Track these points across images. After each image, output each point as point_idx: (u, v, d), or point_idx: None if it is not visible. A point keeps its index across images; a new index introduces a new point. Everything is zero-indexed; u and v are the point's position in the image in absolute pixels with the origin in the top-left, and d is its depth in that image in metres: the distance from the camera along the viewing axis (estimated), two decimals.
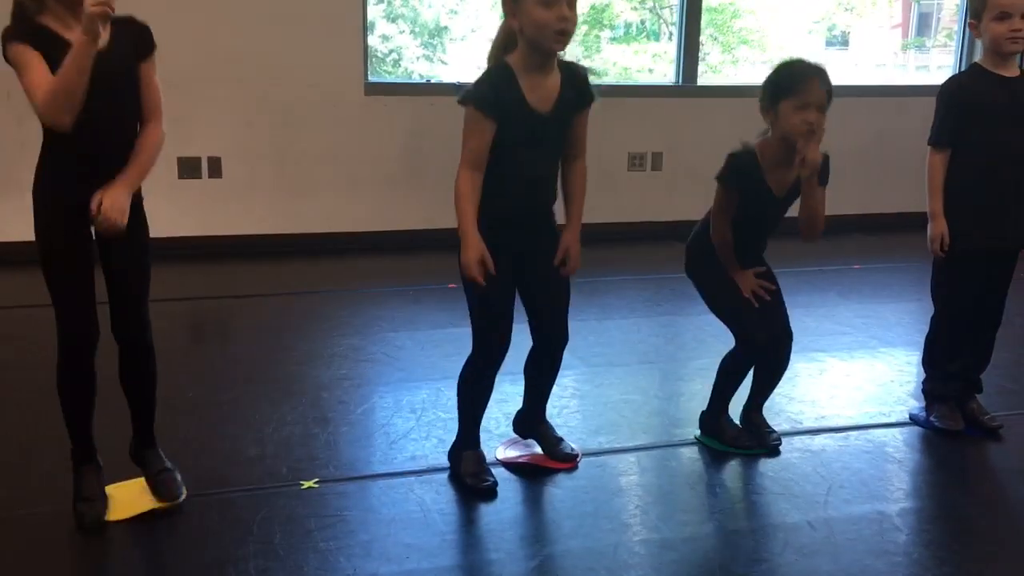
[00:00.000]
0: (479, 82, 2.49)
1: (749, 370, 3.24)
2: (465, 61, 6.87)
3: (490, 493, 2.87)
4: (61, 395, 2.64)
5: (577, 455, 3.12)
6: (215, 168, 5.61)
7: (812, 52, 7.26)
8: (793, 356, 3.24)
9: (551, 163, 2.68)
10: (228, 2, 5.43)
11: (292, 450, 3.17)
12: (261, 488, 2.90)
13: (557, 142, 2.64)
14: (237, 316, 4.76)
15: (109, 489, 2.76)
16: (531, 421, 3.17)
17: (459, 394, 2.94)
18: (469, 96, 2.47)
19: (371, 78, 5.89)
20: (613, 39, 7.94)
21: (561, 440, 3.15)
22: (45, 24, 2.33)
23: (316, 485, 2.93)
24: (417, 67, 6.94)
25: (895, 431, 3.41)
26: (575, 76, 2.57)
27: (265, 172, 5.70)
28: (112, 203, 2.37)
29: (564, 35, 2.41)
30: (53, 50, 2.28)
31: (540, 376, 3.06)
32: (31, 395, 3.38)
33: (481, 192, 2.53)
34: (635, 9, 8.02)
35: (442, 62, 6.98)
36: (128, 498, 2.77)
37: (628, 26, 8.06)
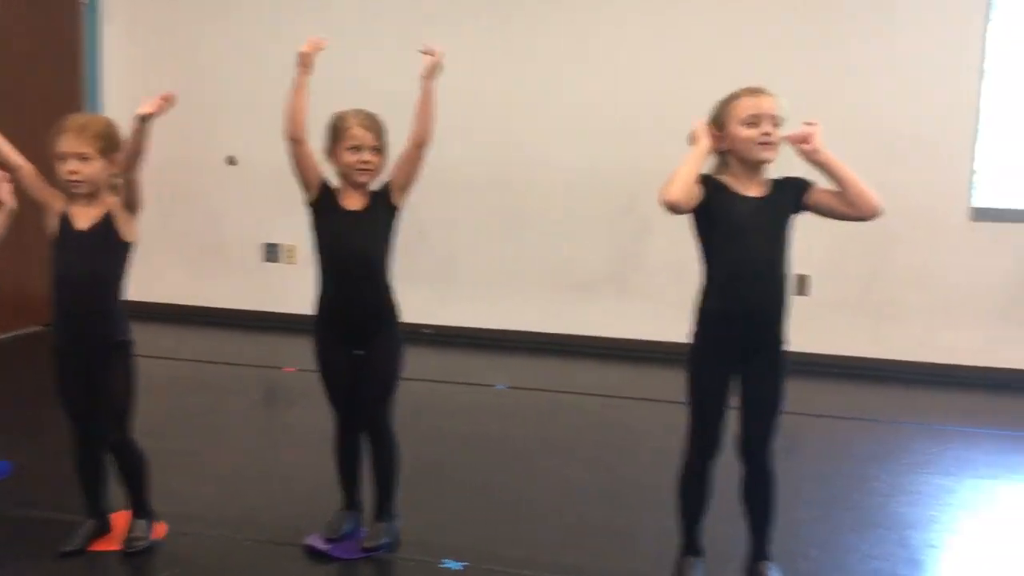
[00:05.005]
0: None
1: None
2: None
3: None
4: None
5: None
6: (803, 286, 5.57)
7: None
8: None
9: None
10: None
11: None
12: None
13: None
14: (808, 434, 4.52)
15: None
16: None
17: None
18: None
19: (980, 203, 5.57)
20: None
21: None
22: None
23: None
24: None
25: None
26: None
27: (853, 292, 5.65)
28: None
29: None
30: None
31: None
32: None
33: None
34: None
35: None
36: None
37: None
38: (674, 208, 2.61)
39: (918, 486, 3.89)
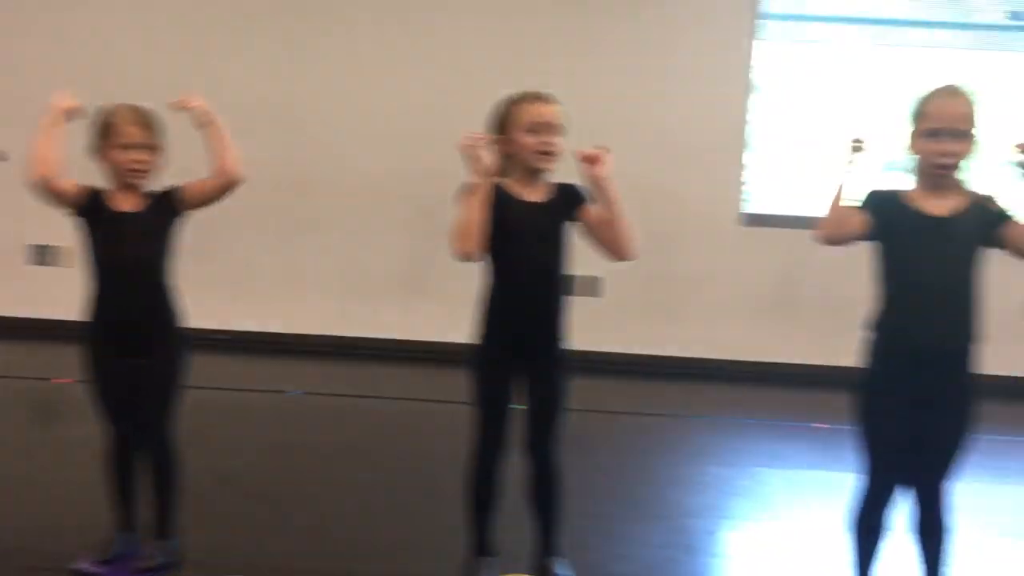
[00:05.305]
0: None
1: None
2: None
3: None
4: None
5: None
6: (595, 287, 5.73)
7: None
8: None
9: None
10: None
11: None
12: None
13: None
14: (596, 430, 4.53)
15: None
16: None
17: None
18: None
19: (750, 209, 5.92)
20: None
21: None
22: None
23: None
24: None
25: None
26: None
27: (641, 293, 5.86)
28: None
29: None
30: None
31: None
32: None
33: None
34: None
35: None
36: None
37: None
38: (472, 258, 2.66)
39: (698, 476, 4.13)
